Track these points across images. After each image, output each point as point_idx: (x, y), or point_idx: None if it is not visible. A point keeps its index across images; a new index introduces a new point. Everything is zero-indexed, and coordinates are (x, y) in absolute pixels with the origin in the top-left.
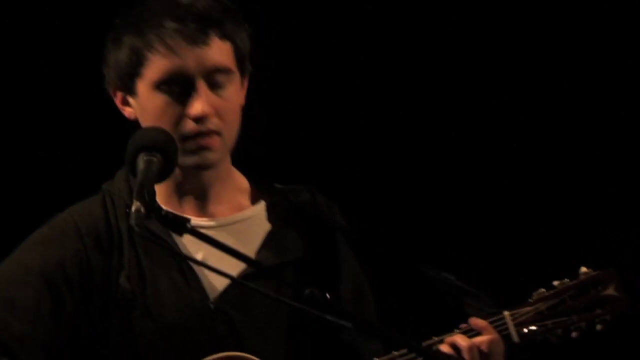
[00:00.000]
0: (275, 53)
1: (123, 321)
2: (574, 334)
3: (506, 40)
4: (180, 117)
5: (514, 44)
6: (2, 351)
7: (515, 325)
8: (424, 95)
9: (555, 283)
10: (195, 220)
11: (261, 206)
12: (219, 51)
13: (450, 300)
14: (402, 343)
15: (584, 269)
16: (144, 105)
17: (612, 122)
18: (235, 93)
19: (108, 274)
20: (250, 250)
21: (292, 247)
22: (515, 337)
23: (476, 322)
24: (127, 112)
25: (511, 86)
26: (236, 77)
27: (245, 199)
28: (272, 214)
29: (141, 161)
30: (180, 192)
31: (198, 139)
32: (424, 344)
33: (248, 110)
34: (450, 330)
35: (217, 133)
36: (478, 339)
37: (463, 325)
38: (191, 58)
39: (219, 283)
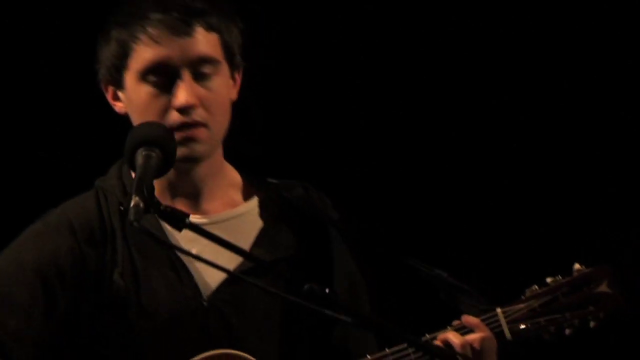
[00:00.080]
0: (274, 52)
1: (117, 318)
2: (567, 331)
3: (506, 40)
4: (166, 109)
5: (514, 44)
6: None
7: (508, 322)
8: (420, 91)
9: (548, 280)
10: None
11: (254, 202)
12: (204, 42)
13: (443, 297)
14: (400, 337)
15: (577, 266)
16: (131, 97)
17: (611, 122)
18: (222, 85)
19: (102, 270)
20: (244, 247)
21: (285, 243)
22: (508, 335)
23: (469, 319)
24: (118, 107)
25: (511, 86)
26: (224, 69)
27: (238, 195)
28: (265, 210)
29: (140, 156)
30: (173, 189)
31: (184, 130)
32: None
33: (245, 109)
34: (442, 327)
35: (203, 124)
36: (470, 337)
37: (456, 323)
38: (175, 48)
39: (212, 280)
